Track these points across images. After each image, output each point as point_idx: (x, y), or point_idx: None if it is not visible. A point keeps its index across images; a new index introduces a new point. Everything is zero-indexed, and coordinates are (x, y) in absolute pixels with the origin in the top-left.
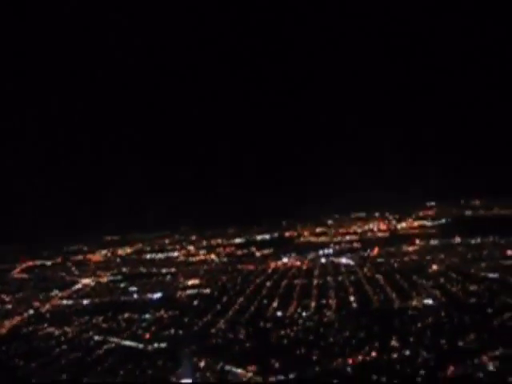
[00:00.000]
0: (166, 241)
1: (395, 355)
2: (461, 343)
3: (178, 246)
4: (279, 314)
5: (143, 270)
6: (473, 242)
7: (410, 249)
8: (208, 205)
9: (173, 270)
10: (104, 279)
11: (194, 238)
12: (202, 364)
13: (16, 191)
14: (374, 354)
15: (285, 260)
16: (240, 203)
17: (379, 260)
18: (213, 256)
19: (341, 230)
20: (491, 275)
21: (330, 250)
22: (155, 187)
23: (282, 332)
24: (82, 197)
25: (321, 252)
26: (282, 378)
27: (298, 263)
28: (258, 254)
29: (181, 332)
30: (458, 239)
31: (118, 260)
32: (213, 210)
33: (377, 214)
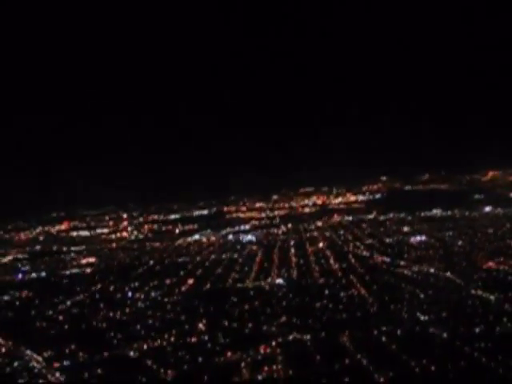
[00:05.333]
0: (106, 217)
1: (194, 339)
2: (265, 327)
3: (111, 223)
4: (129, 294)
5: (55, 247)
6: (382, 218)
7: (319, 224)
8: (164, 182)
9: (82, 247)
10: (9, 258)
11: (135, 214)
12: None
13: None
14: (172, 338)
15: (196, 237)
16: (194, 179)
17: (281, 237)
18: (134, 233)
19: (276, 205)
20: (364, 253)
21: (247, 226)
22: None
23: (111, 314)
24: (36, 173)
25: (236, 228)
26: (68, 363)
27: (205, 240)
28: (177, 230)
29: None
30: (372, 215)
31: (41, 238)
32: (167, 187)
33: (325, 189)
